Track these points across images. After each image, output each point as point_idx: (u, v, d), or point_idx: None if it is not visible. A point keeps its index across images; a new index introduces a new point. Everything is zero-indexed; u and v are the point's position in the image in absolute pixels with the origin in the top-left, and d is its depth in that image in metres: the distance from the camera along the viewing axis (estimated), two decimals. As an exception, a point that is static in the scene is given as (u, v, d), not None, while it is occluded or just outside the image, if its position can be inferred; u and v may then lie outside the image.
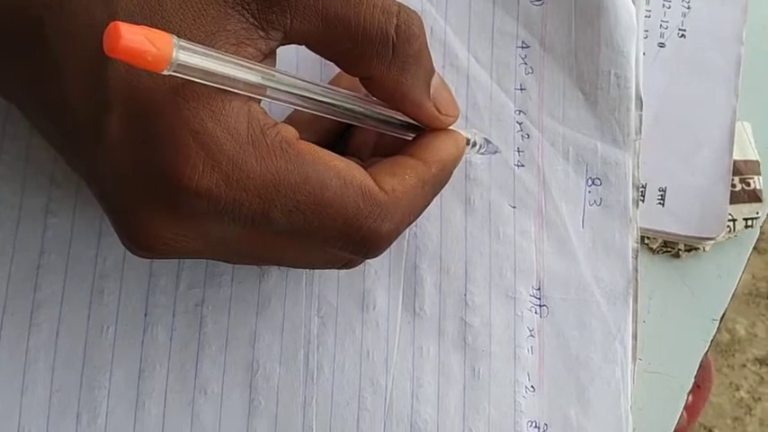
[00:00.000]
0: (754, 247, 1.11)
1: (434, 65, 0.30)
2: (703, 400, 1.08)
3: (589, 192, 0.35)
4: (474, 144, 0.33)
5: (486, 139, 0.34)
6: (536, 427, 0.34)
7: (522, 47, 0.36)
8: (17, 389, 0.33)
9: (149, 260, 0.34)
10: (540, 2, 0.36)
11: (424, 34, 0.29)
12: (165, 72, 0.23)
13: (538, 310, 0.35)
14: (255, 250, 0.28)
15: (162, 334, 0.34)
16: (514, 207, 0.35)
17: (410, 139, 0.31)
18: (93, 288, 0.34)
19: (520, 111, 0.36)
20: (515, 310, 0.35)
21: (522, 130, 0.36)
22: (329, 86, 0.28)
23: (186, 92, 0.25)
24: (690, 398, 1.08)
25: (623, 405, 0.34)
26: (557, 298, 0.35)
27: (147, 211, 0.26)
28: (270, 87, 0.26)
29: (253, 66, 0.26)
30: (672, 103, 0.37)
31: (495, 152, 0.35)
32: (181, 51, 0.23)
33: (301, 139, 0.27)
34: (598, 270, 0.35)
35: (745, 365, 1.12)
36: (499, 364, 0.34)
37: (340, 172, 0.27)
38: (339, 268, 0.31)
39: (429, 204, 0.31)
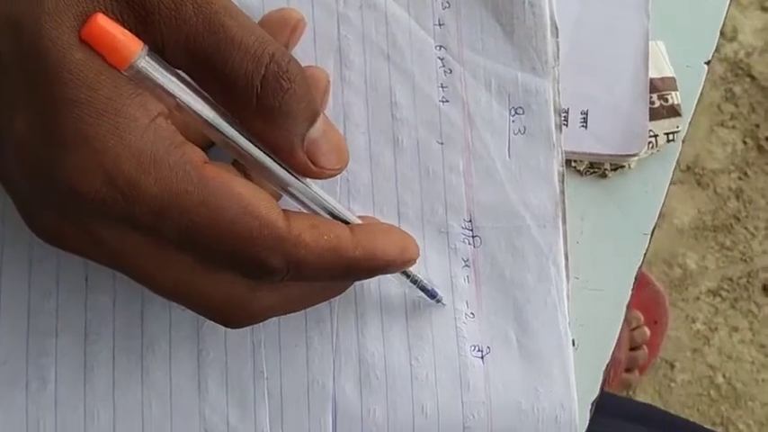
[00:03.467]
0: (698, 183, 1.14)
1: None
2: (661, 335, 1.11)
3: (513, 121, 0.36)
4: (416, 281, 0.33)
5: (434, 289, 0.34)
6: (479, 350, 0.35)
7: (438, -16, 0.37)
8: (-38, 363, 0.33)
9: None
10: (452, -61, 0.37)
11: (300, 85, 0.27)
12: (124, 71, 0.25)
13: (471, 241, 0.36)
14: (146, 260, 0.28)
15: (104, 296, 0.34)
16: (442, 143, 0.36)
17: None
18: (31, 256, 0.34)
19: (440, 46, 0.36)
20: (449, 243, 0.36)
21: (443, 66, 0.36)
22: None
23: (90, 106, 0.25)
24: (648, 333, 1.10)
25: (561, 321, 0.35)
26: (488, 227, 0.36)
27: (44, 210, 0.27)
28: (215, 128, 0.27)
29: (209, 103, 0.27)
30: (586, 29, 0.38)
31: (438, 301, 0.35)
32: (145, 59, 0.25)
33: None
34: (526, 196, 0.36)
35: (698, 298, 1.16)
36: (438, 295, 0.35)
37: (242, 200, 0.27)
38: (224, 319, 0.30)
39: (343, 287, 0.32)
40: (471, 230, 0.36)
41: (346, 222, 0.31)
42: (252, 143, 0.28)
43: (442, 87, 0.36)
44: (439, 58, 0.36)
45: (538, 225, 0.36)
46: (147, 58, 0.26)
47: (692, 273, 1.16)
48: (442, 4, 0.36)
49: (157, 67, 0.26)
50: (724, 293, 1.16)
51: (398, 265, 0.31)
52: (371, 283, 0.35)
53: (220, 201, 0.26)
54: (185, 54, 0.26)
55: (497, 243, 0.36)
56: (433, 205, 0.36)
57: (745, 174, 1.18)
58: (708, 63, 0.39)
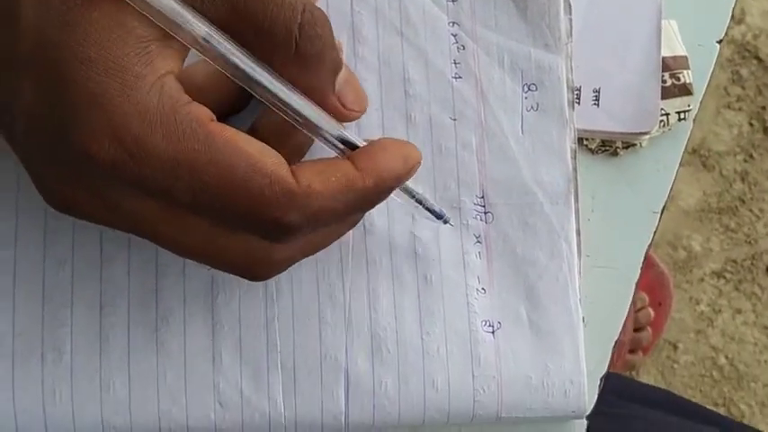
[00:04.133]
0: (704, 165, 1.13)
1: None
2: (665, 316, 1.11)
3: (526, 98, 0.36)
4: (421, 201, 0.33)
5: (441, 210, 0.34)
6: (489, 325, 0.35)
7: (451, -39, 0.37)
8: (-20, 333, 0.34)
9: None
10: None
11: (329, 33, 0.29)
12: None
13: (483, 217, 0.36)
14: (164, 226, 0.28)
15: (119, 268, 0.34)
16: (455, 119, 0.36)
17: (341, 155, 0.31)
18: (45, 227, 0.34)
19: (453, 23, 0.36)
20: (461, 219, 0.36)
21: (456, 42, 0.36)
22: (269, 69, 0.28)
23: (98, 64, 0.25)
24: (652, 314, 1.11)
25: (572, 298, 0.35)
26: (500, 204, 0.36)
27: (57, 176, 0.27)
28: (211, 44, 0.27)
29: (200, 18, 0.27)
30: (599, 6, 0.38)
31: (446, 222, 0.34)
32: None
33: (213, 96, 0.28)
34: (539, 173, 0.36)
35: (703, 280, 1.16)
36: (449, 271, 0.35)
37: (250, 158, 0.27)
38: (251, 276, 0.31)
39: (359, 217, 0.32)
40: (483, 207, 0.36)
41: (356, 147, 0.31)
42: (259, 66, 0.28)
43: (455, 64, 0.36)
44: (452, 34, 0.36)
45: (550, 202, 0.36)
46: None
47: (696, 255, 1.16)
48: (456, -20, 0.36)
49: None
50: (728, 275, 1.16)
51: (405, 175, 0.31)
52: (383, 260, 0.35)
53: (229, 158, 0.26)
54: (227, 7, 0.27)
55: (509, 220, 0.36)
56: (446, 181, 0.36)
57: (751, 156, 1.18)
58: (720, 42, 0.39)
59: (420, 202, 0.33)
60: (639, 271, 0.38)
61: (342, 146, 0.30)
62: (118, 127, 0.25)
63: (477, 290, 0.35)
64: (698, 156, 1.17)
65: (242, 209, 0.27)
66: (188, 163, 0.26)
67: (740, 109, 1.19)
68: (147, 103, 0.26)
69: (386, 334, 0.35)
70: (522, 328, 0.35)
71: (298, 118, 0.29)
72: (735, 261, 1.16)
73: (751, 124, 1.19)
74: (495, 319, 0.35)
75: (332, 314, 0.35)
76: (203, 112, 0.27)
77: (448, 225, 0.35)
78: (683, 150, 0.39)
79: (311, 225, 0.28)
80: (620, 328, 0.38)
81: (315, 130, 0.30)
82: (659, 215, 0.38)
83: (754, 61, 1.20)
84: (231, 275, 0.34)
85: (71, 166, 0.27)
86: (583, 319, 0.36)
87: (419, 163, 0.32)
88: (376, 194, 0.30)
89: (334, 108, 0.30)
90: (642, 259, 0.38)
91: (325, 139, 0.30)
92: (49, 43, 0.25)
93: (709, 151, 1.17)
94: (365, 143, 0.31)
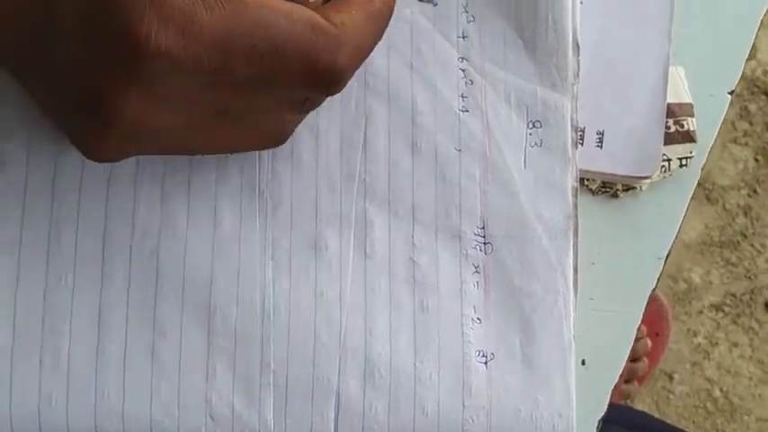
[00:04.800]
0: (707, 198, 1.14)
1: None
2: (662, 347, 1.11)
3: (530, 134, 0.37)
4: None
5: None
6: (483, 355, 0.36)
7: (464, -5, 0.37)
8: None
9: (104, 208, 0.35)
10: (481, -48, 0.37)
11: None
12: None
13: (482, 248, 0.36)
14: (222, 105, 0.29)
15: (120, 280, 0.35)
16: (459, 150, 0.37)
17: None
18: (49, 234, 0.35)
19: (463, 58, 0.37)
20: (460, 248, 0.36)
21: (465, 77, 0.37)
22: None
23: None
24: (650, 345, 1.11)
25: (566, 333, 0.36)
26: (500, 235, 0.36)
27: (112, 86, 0.27)
28: None
29: None
30: (607, 49, 0.39)
31: (435, 4, 0.36)
32: None
33: None
34: (539, 208, 0.37)
35: (701, 312, 1.16)
36: (446, 300, 0.36)
37: (286, 12, 0.28)
38: (300, 111, 0.32)
39: (379, 39, 0.32)
40: (484, 237, 0.37)
41: None
42: None
43: (463, 97, 0.37)
44: (461, 69, 0.37)
45: (549, 236, 0.36)
46: None
47: (696, 287, 1.16)
48: (467, 17, 0.37)
49: None
50: (727, 309, 1.16)
51: None
52: (381, 285, 0.36)
53: (268, 17, 0.27)
54: None
55: (508, 251, 0.36)
56: (448, 209, 0.37)
57: (755, 191, 1.18)
58: (731, 93, 0.40)
59: None
60: (642, 315, 0.38)
61: None
62: (163, 6, 0.25)
63: (473, 320, 0.36)
64: (702, 189, 1.18)
65: (297, 64, 0.28)
66: (236, 31, 0.26)
67: (746, 144, 1.19)
68: None
69: (380, 359, 0.35)
70: (515, 360, 0.36)
71: None
72: (734, 295, 1.17)
73: (756, 159, 1.19)
74: (489, 350, 0.36)
75: (327, 336, 0.35)
76: None
77: (447, 248, 0.36)
78: (689, 198, 0.39)
79: (357, 61, 0.30)
80: (621, 371, 0.38)
81: None
82: (663, 261, 0.39)
83: (763, 97, 1.20)
84: (230, 297, 0.35)
85: (123, 66, 0.26)
86: (583, 361, 0.36)
87: None
88: (385, 14, 0.31)
89: None
90: (645, 303, 0.38)
91: None
92: None
93: (714, 185, 1.18)
94: None
